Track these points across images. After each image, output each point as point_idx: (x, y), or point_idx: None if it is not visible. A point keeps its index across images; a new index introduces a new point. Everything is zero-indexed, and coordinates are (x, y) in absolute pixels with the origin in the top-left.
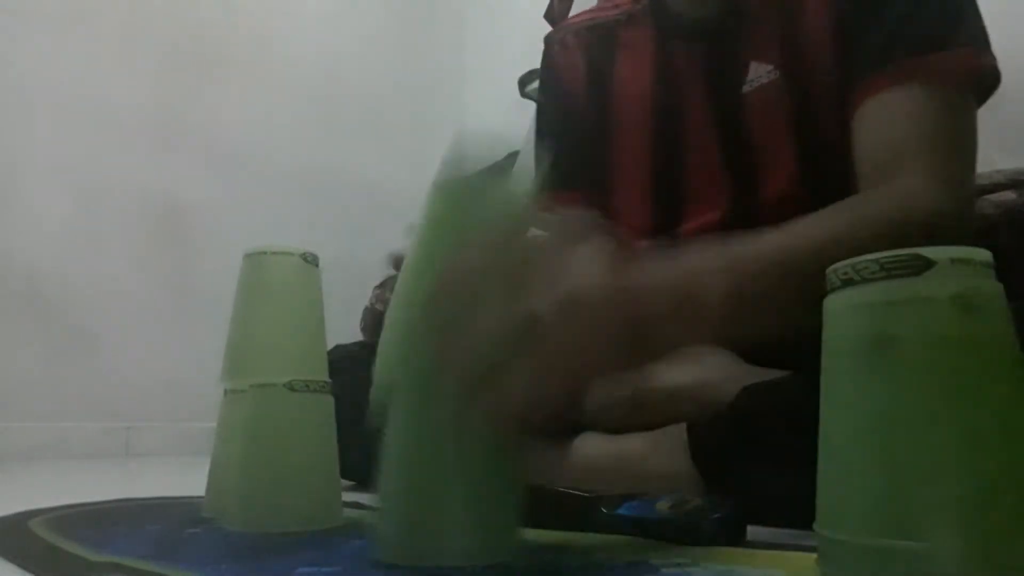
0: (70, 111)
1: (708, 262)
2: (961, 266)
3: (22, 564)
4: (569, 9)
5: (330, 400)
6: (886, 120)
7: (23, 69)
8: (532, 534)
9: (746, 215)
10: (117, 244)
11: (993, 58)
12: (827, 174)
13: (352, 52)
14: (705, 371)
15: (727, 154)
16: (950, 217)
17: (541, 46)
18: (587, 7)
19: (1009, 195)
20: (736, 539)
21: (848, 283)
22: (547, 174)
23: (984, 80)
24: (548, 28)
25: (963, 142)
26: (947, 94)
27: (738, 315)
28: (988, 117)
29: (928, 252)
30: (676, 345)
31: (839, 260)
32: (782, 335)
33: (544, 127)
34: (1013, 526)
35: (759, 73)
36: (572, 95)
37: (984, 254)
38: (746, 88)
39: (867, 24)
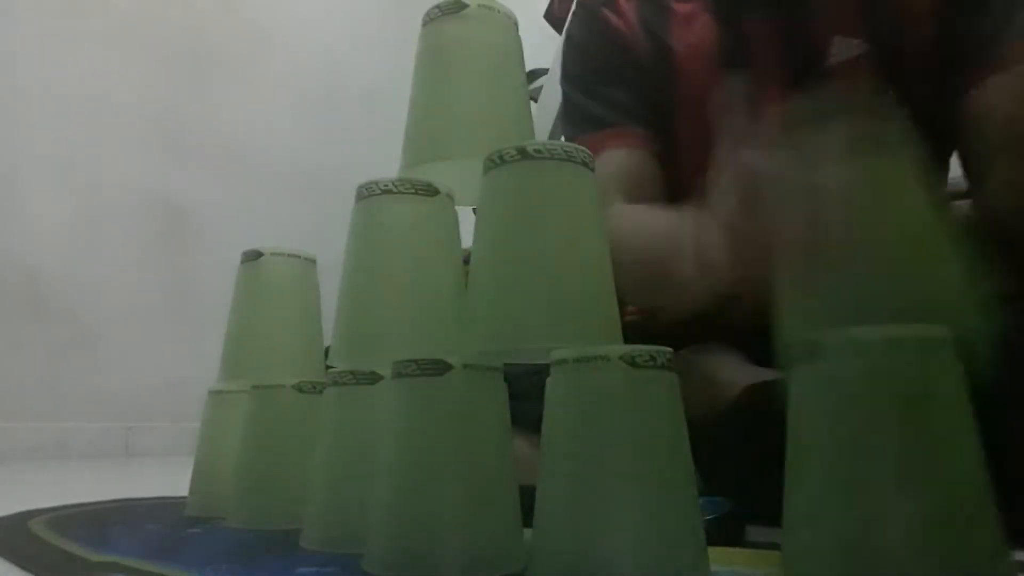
0: (70, 111)
1: None
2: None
3: (22, 564)
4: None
5: None
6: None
7: (23, 69)
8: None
9: None
10: (117, 244)
11: None
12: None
13: (352, 52)
14: (708, 371)
15: None
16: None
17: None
18: None
19: None
20: (736, 539)
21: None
22: (604, 113)
23: None
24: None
25: None
26: None
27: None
28: None
29: None
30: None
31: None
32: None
33: (591, 82)
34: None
35: (843, 47)
36: (629, 50)
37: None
38: (831, 63)
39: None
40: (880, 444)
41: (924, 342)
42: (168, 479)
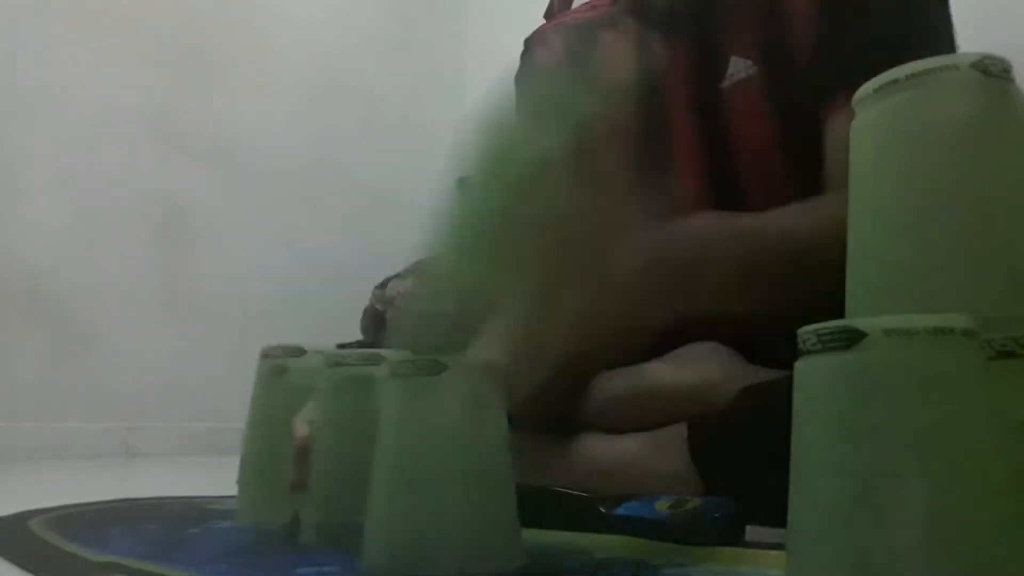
0: (70, 111)
1: (716, 230)
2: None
3: (22, 564)
4: (569, 8)
5: None
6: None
7: (23, 69)
8: (530, 534)
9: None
10: (117, 244)
11: None
12: (807, 169)
13: (352, 52)
14: (705, 371)
15: (708, 149)
16: None
17: None
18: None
19: None
20: (736, 539)
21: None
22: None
23: None
24: None
25: None
26: None
27: (738, 282)
28: None
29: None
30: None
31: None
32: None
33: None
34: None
35: (738, 68)
36: None
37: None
38: (725, 83)
39: (844, 38)
40: (900, 444)
41: (966, 332)
42: (168, 479)
